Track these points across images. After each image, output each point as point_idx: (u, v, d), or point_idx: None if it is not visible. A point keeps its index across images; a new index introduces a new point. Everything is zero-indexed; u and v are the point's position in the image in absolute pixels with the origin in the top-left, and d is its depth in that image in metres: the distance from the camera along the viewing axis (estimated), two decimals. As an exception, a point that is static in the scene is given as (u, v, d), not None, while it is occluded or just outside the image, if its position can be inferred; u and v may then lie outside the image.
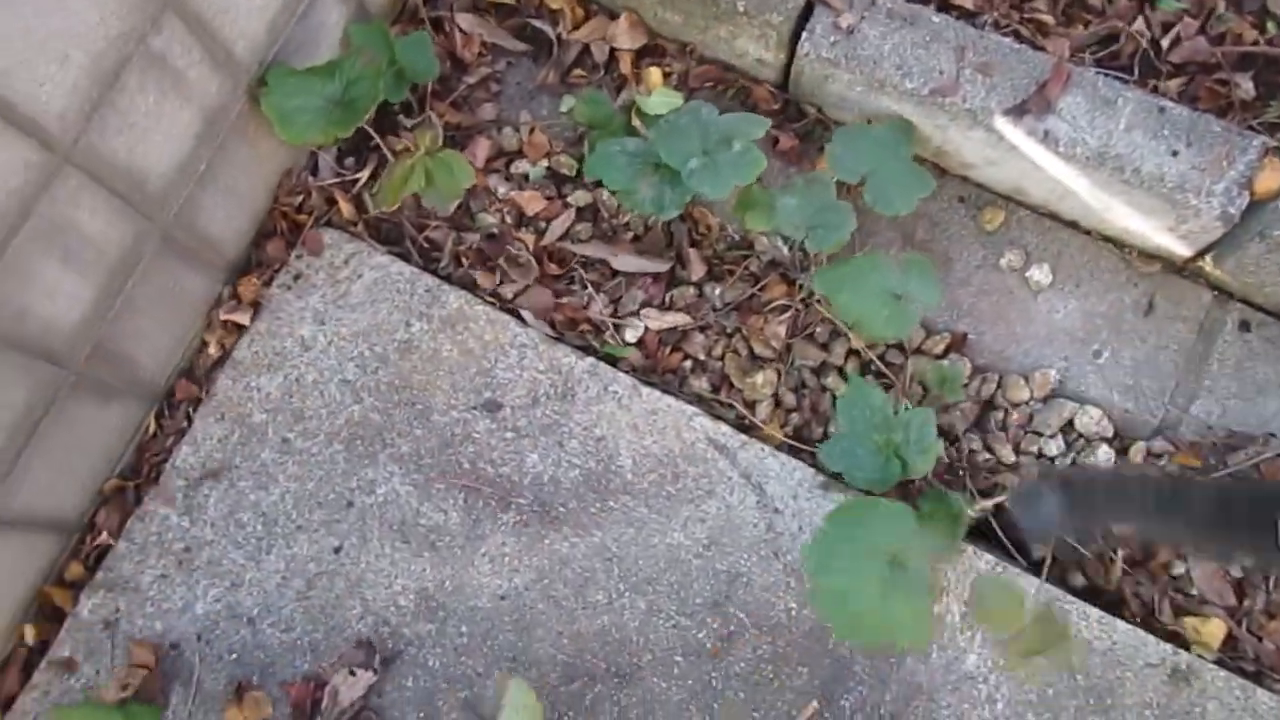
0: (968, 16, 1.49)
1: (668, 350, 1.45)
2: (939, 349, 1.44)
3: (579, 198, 1.51)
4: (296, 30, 1.33)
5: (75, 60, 1.01)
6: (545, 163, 1.52)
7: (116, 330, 1.26)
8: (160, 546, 1.36)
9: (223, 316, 1.43)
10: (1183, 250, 1.40)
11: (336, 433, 1.39)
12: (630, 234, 1.49)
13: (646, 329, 1.45)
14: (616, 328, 1.44)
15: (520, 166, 1.52)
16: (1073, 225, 1.47)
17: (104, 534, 1.37)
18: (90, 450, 1.33)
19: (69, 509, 1.34)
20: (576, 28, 1.57)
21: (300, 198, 1.47)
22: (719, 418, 1.40)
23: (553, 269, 1.47)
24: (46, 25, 0.96)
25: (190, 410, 1.42)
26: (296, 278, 1.44)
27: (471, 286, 1.46)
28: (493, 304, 1.43)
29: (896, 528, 1.20)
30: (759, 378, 1.43)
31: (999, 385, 1.43)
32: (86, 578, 1.36)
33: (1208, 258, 1.40)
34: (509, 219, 1.49)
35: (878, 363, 1.42)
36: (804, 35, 1.38)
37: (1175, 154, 1.30)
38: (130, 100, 1.10)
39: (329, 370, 1.41)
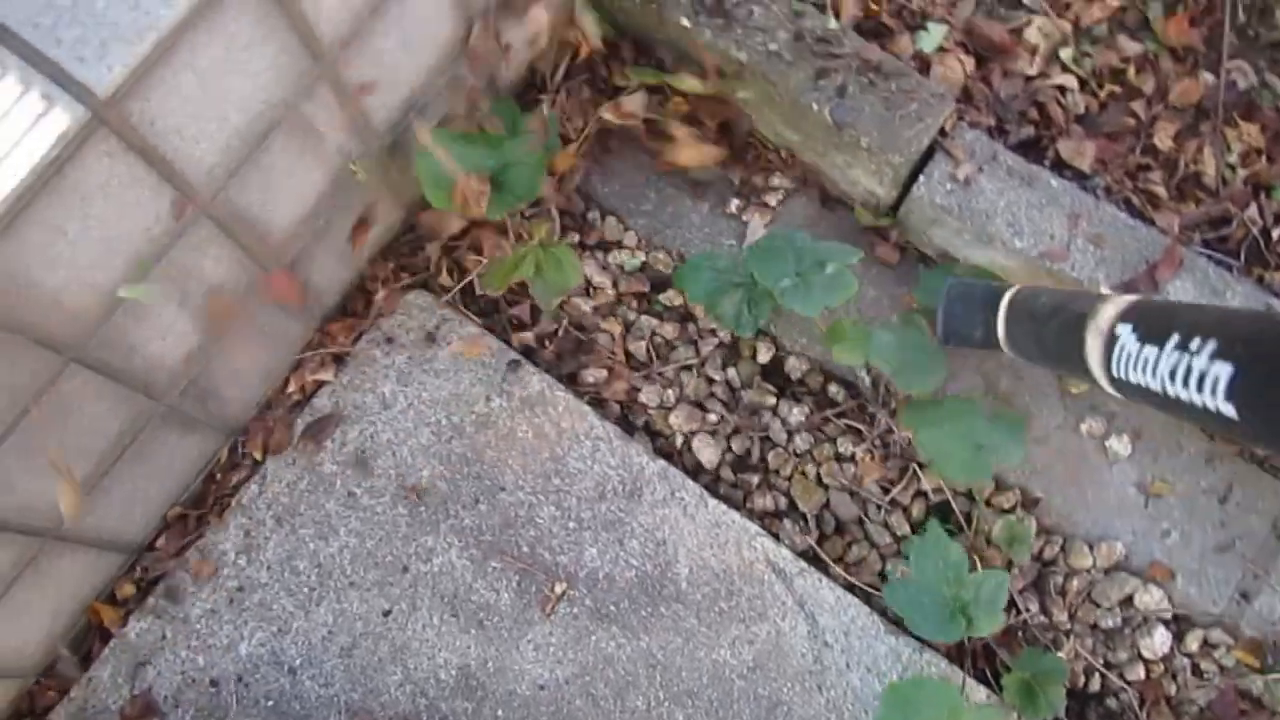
0: (1081, 177, 1.51)
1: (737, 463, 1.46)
2: (1008, 504, 1.43)
3: (670, 297, 1.52)
4: (429, 97, 1.36)
5: (233, 121, 1.04)
6: (643, 256, 1.54)
7: (212, 367, 1.28)
8: (214, 581, 1.37)
9: (309, 363, 1.45)
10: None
11: (403, 495, 1.40)
12: (715, 341, 1.50)
13: (714, 439, 1.45)
14: (689, 437, 1.45)
15: (617, 257, 1.54)
16: (1158, 400, 1.47)
17: (162, 560, 1.39)
18: (163, 477, 1.35)
19: (134, 531, 1.36)
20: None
21: (402, 258, 1.49)
22: (779, 539, 1.40)
23: (636, 363, 1.49)
24: (221, 86, 1.00)
25: (263, 449, 1.43)
26: (389, 339, 1.46)
27: (554, 369, 1.47)
28: (573, 390, 1.45)
29: (950, 704, 1.21)
30: (823, 503, 1.43)
31: (1063, 549, 1.43)
32: (138, 600, 1.38)
33: (1291, 456, 1.40)
34: (600, 307, 1.51)
35: (950, 500, 1.42)
36: (921, 178, 1.39)
37: (1276, 354, 1.29)
38: (272, 160, 1.13)
39: (404, 432, 1.43)
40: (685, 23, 1.41)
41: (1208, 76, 1.58)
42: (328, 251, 1.36)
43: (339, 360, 1.46)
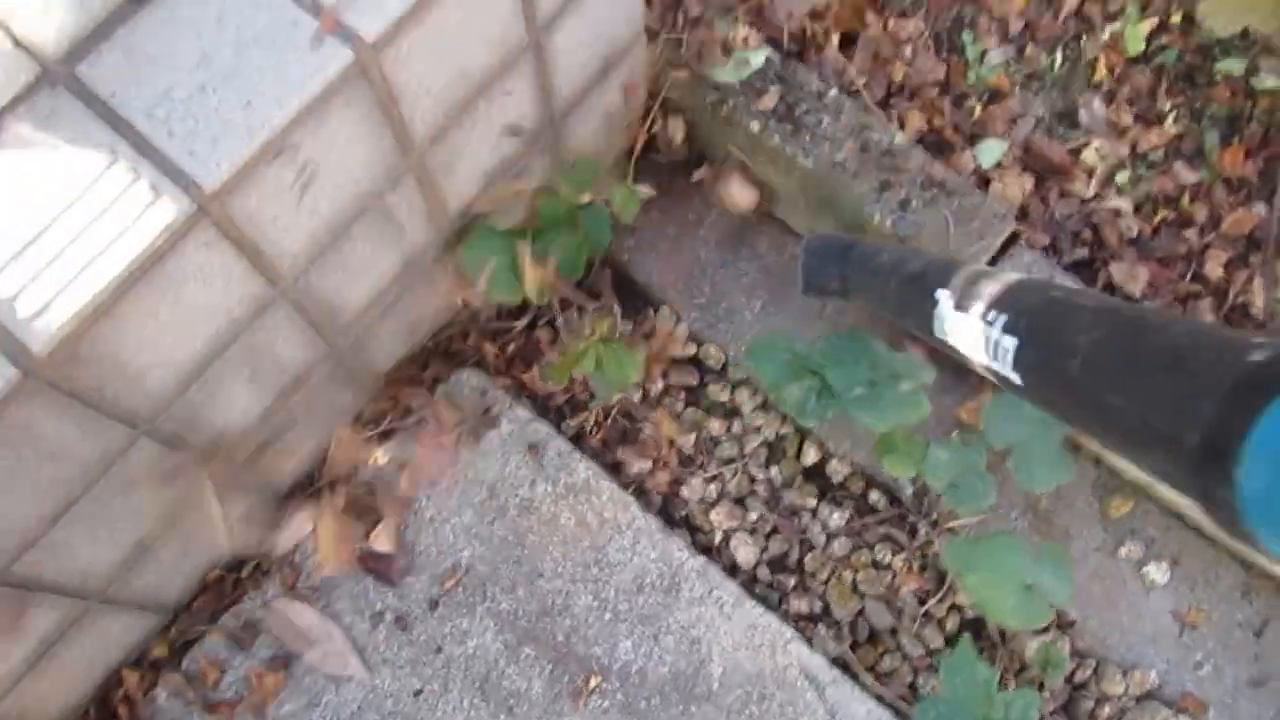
0: (1130, 301, 1.52)
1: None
2: (1043, 624, 1.43)
3: (716, 393, 1.53)
4: (499, 188, 1.38)
5: (322, 212, 1.06)
6: (694, 349, 1.56)
7: (268, 438, 1.29)
8: (248, 648, 1.37)
9: (358, 435, 1.46)
10: (1305, 584, 1.40)
11: (441, 575, 1.40)
12: (760, 439, 1.51)
13: (753, 537, 1.46)
14: (728, 534, 1.46)
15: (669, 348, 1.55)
16: (1197, 530, 1.48)
17: (196, 623, 1.39)
18: (208, 541, 1.35)
19: (174, 593, 1.36)
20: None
21: (454, 341, 1.51)
22: (813, 644, 1.40)
23: (681, 456, 1.50)
24: (318, 178, 1.02)
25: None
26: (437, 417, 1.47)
27: (598, 456, 1.48)
28: (617, 480, 1.45)
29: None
30: (858, 610, 1.43)
31: (1095, 673, 1.43)
32: (170, 661, 1.37)
33: (1329, 596, 1.40)
34: (648, 397, 1.52)
35: (990, 627, 1.42)
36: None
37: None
38: (352, 246, 1.15)
39: (448, 511, 1.43)
40: (755, 127, 1.44)
41: (1260, 208, 1.60)
42: (390, 330, 1.38)
43: (385, 435, 1.47)
